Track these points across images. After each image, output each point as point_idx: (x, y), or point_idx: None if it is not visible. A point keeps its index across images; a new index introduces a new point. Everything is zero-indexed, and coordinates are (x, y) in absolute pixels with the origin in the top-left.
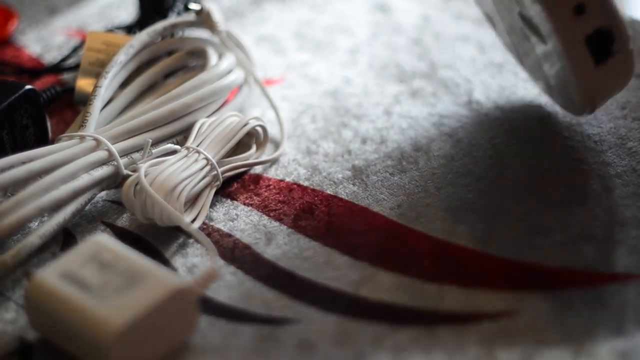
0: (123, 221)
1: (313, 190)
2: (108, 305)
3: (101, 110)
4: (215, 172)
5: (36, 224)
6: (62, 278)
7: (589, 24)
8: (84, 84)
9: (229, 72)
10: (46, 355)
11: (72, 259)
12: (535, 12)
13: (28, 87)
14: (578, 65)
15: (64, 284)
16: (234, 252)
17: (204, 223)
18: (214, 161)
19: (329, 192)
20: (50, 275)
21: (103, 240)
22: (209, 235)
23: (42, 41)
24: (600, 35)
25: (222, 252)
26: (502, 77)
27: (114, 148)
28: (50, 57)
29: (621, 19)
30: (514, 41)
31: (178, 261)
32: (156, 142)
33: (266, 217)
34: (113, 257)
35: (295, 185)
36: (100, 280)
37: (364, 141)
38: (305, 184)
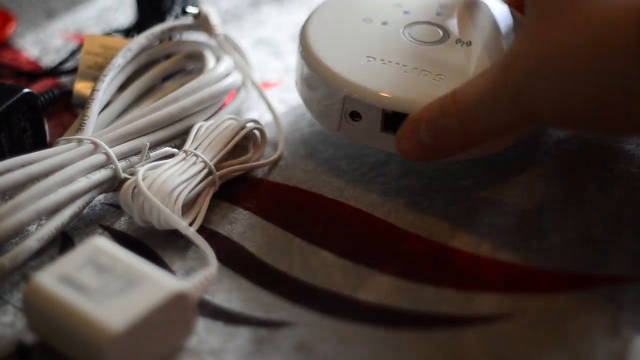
0: (121, 224)
1: (312, 194)
2: (105, 308)
3: (99, 114)
4: (213, 175)
5: (34, 227)
6: (60, 281)
7: None
8: (81, 87)
9: (227, 75)
10: (44, 358)
11: (70, 262)
12: None
13: (26, 90)
14: None
15: (62, 287)
16: (231, 255)
17: (202, 226)
18: (211, 164)
19: (328, 196)
20: (48, 278)
21: (101, 243)
22: (206, 238)
23: (40, 44)
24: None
25: (220, 255)
26: None
27: (111, 151)
28: (48, 60)
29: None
30: None
31: (176, 264)
32: (154, 145)
33: (264, 221)
34: (111, 260)
35: (293, 189)
36: (98, 284)
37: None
38: (304, 187)
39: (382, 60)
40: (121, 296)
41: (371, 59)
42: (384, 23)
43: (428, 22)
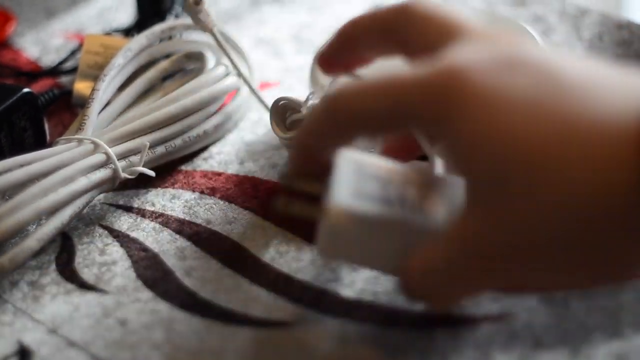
0: (121, 224)
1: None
2: (428, 214)
3: (99, 113)
4: None
5: (34, 227)
6: (360, 199)
7: None
8: (82, 86)
9: (227, 75)
10: (45, 357)
11: (346, 180)
12: None
13: (26, 90)
14: None
15: (370, 204)
16: (231, 254)
17: (202, 225)
18: None
19: None
20: (347, 199)
21: (352, 156)
22: (206, 237)
23: (40, 44)
24: None
25: (220, 255)
26: None
27: (111, 151)
28: (48, 59)
29: None
30: None
31: (177, 263)
32: (154, 145)
33: (264, 220)
34: (374, 167)
35: None
36: (393, 193)
37: None
38: None
39: None
40: (435, 198)
41: None
42: None
43: None
